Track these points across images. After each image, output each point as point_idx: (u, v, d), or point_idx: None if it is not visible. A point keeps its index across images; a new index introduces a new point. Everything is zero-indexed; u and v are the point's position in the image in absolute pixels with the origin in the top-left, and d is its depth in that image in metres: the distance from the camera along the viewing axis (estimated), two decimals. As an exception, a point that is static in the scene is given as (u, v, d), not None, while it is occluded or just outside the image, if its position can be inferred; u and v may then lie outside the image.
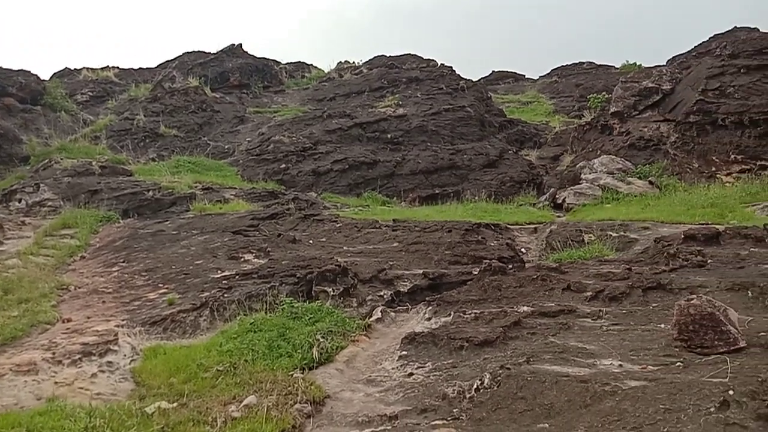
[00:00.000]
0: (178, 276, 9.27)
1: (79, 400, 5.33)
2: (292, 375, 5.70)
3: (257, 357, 6.12)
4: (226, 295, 7.98)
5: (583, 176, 16.28)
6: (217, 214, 13.87)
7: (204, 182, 16.78)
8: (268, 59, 28.86)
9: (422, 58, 26.82)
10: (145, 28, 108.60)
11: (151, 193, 15.44)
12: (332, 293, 7.97)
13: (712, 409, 3.53)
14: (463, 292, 7.41)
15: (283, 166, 18.91)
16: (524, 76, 35.64)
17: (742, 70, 16.37)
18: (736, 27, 19.64)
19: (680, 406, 3.67)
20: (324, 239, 11.40)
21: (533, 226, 13.06)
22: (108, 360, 6.22)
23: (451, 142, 20.63)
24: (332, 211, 15.09)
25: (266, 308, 7.54)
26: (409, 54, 27.51)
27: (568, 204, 15.55)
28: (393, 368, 5.76)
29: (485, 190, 17.80)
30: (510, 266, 8.54)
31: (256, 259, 10.07)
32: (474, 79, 26.10)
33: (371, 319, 7.25)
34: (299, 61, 30.95)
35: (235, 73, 26.53)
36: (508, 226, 12.71)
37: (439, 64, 25.68)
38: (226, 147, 20.82)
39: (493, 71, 35.90)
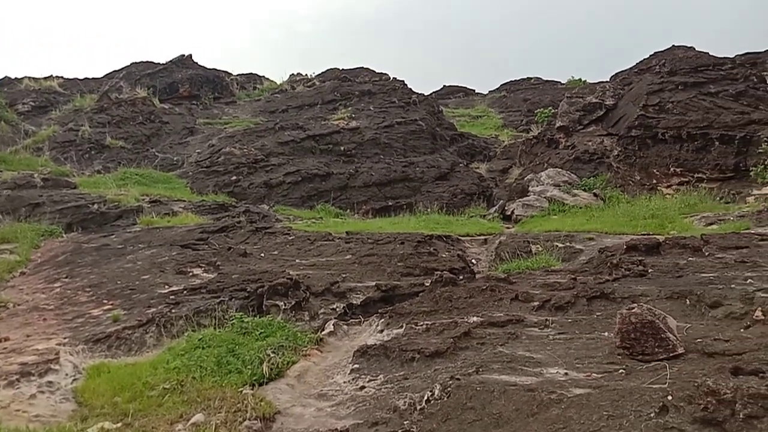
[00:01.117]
0: (123, 291, 9.01)
1: (15, 424, 5.10)
2: (241, 391, 5.60)
3: (205, 374, 5.99)
4: (173, 311, 7.79)
5: (530, 188, 16.66)
6: (165, 227, 13.55)
7: (152, 195, 16.36)
8: (219, 70, 28.55)
9: (375, 71, 27.06)
10: (92, 37, 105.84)
11: (96, 206, 14.96)
12: (284, 307, 7.88)
13: (652, 415, 3.65)
14: (415, 304, 7.43)
15: (234, 178, 18.67)
16: (474, 90, 36.36)
17: (680, 87, 17.15)
18: (674, 45, 20.45)
19: (622, 412, 3.78)
20: (276, 252, 11.28)
21: (483, 237, 13.24)
22: (48, 380, 5.98)
23: (403, 154, 20.84)
24: (285, 223, 14.96)
25: (215, 324, 7.40)
26: (362, 67, 27.73)
27: (516, 215, 15.86)
28: (345, 382, 5.74)
29: (437, 202, 18.01)
30: (461, 277, 8.64)
31: (205, 274, 9.88)
32: (426, 93, 26.49)
33: (323, 333, 7.20)
34: (251, 73, 30.72)
35: (184, 84, 26.13)
36: (460, 237, 12.86)
37: (391, 78, 25.95)
38: (175, 159, 20.40)
39: (444, 85, 36.53)
